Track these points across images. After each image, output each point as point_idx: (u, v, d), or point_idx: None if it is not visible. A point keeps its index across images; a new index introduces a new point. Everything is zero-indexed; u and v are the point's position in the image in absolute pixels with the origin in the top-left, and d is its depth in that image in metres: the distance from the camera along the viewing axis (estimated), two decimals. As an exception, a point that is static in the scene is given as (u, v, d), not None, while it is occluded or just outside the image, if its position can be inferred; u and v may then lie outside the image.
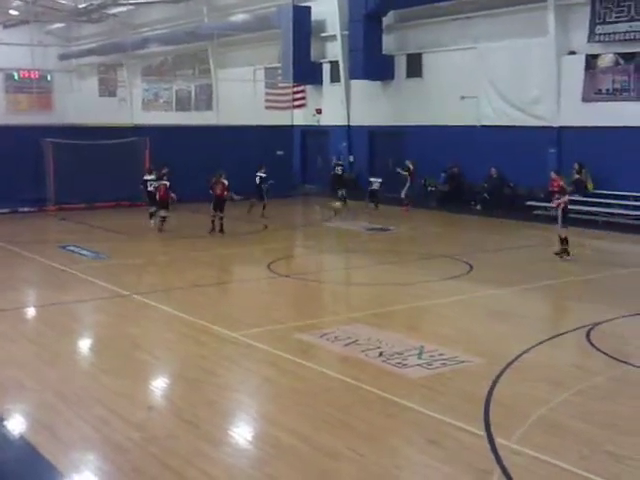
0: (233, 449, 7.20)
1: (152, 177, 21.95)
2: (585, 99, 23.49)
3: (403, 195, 25.73)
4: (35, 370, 9.44)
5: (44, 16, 41.30)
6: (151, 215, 21.67)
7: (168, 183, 21.03)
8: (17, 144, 24.42)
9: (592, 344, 10.34)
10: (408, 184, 25.76)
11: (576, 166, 23.26)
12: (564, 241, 16.69)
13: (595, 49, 23.17)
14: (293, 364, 9.54)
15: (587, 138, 23.03)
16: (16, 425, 7.81)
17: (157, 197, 21.10)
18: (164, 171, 21.22)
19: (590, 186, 23.22)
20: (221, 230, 20.51)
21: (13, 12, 43.17)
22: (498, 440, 7.12)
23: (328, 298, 14.46)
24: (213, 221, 20.58)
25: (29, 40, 38.89)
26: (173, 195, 20.88)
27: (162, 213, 20.96)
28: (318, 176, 30.29)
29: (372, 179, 27.00)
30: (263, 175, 24.56)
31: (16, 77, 49.04)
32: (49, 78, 50.49)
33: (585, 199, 22.98)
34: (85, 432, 7.48)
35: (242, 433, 7.64)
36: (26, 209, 24.66)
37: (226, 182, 20.62)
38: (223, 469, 6.69)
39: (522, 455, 6.86)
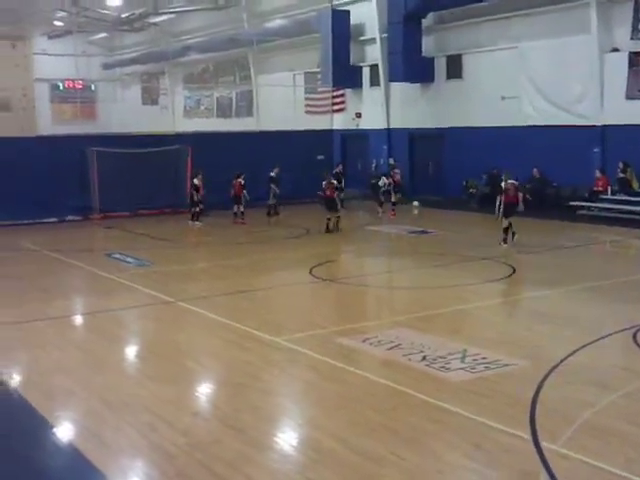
0: (278, 454, 7.25)
1: (195, 181, 23.59)
2: (629, 97, 23.15)
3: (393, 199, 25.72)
4: (82, 377, 9.60)
5: (87, 26, 41.94)
6: (193, 216, 23.62)
7: (243, 181, 23.39)
8: (62, 154, 24.85)
9: (639, 346, 10.20)
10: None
11: (621, 165, 22.96)
12: (505, 230, 18.61)
13: (639, 46, 22.82)
14: (336, 369, 9.57)
15: (632, 136, 22.68)
16: (65, 432, 7.97)
17: (232, 193, 23.51)
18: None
19: (635, 185, 22.87)
20: (337, 229, 21.27)
21: (57, 23, 43.92)
22: (544, 444, 7.07)
23: (370, 302, 14.46)
24: (328, 224, 21.15)
25: (73, 50, 39.56)
26: (245, 192, 23.41)
27: (241, 209, 23.51)
28: (358, 180, 30.22)
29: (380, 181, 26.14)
30: (272, 175, 24.83)
31: (61, 87, 49.91)
32: (93, 88, 51.32)
33: (630, 198, 22.65)
34: (132, 438, 7.59)
35: (286, 438, 7.69)
36: (72, 218, 25.08)
37: (335, 182, 21.36)
38: (268, 474, 6.74)
39: (568, 459, 6.81)
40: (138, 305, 13.55)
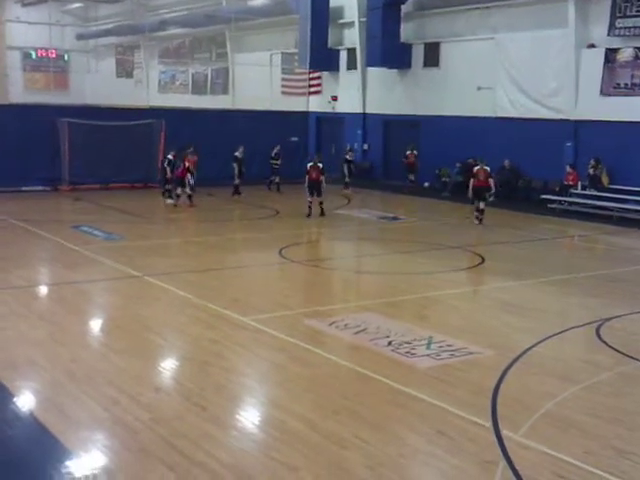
0: (240, 433, 7.24)
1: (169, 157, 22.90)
2: (603, 93, 23.32)
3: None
4: (46, 348, 9.51)
5: (63, -5, 41.36)
6: (164, 193, 23.15)
7: (188, 163, 22.14)
8: (33, 123, 24.48)
9: (602, 339, 10.32)
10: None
11: (592, 162, 23.11)
12: (477, 210, 20.37)
13: (615, 43, 22.97)
14: (302, 350, 9.57)
15: (604, 132, 22.88)
16: (26, 402, 7.89)
17: (176, 175, 22.30)
18: (189, 150, 22.62)
19: (605, 181, 23.08)
20: (322, 214, 20.79)
21: (32, -10, 43.24)
22: (504, 432, 7.14)
23: (339, 285, 14.46)
24: (310, 206, 20.70)
25: (47, 19, 38.97)
26: (189, 176, 22.11)
27: (178, 191, 22.15)
28: (332, 163, 30.15)
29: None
30: (237, 155, 24.60)
31: (33, 56, 49.14)
32: (66, 58, 50.60)
33: (600, 194, 22.87)
34: (94, 411, 7.54)
35: (249, 417, 7.69)
36: (40, 188, 24.74)
37: (321, 166, 20.81)
38: (229, 452, 6.73)
39: (528, 448, 6.88)
40: (104, 278, 13.43)
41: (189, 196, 22.15)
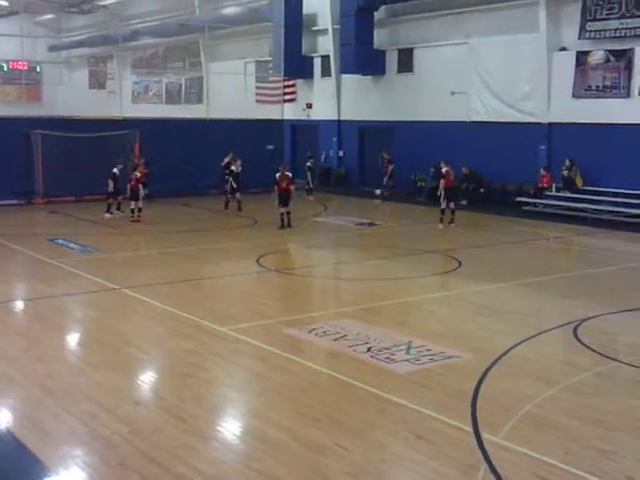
0: (220, 444, 7.20)
1: (116, 170, 22.28)
2: (575, 95, 23.56)
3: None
4: (23, 364, 9.41)
5: (34, 7, 41.04)
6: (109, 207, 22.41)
7: (139, 174, 21.73)
8: (5, 136, 24.29)
9: (580, 340, 10.39)
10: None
11: (567, 162, 23.33)
12: (443, 212, 20.57)
13: (586, 46, 23.23)
14: (282, 359, 9.55)
15: (577, 135, 23.11)
16: (3, 419, 7.78)
17: (128, 188, 21.53)
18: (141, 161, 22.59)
19: (579, 183, 23.28)
20: (289, 225, 20.37)
21: (3, 3, 42.89)
22: (485, 436, 7.15)
23: (317, 293, 14.46)
24: (282, 218, 20.37)
25: (19, 31, 38.62)
26: (141, 187, 21.62)
27: (139, 204, 21.43)
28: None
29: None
30: (233, 169, 24.01)
31: (5, 68, 48.84)
32: (38, 69, 50.30)
33: (574, 196, 23.05)
34: (72, 426, 7.46)
35: (230, 428, 7.65)
36: (14, 202, 24.52)
37: (290, 175, 20.50)
38: (210, 464, 6.68)
39: (509, 450, 6.89)
40: (81, 292, 13.33)
41: (139, 209, 21.47)
